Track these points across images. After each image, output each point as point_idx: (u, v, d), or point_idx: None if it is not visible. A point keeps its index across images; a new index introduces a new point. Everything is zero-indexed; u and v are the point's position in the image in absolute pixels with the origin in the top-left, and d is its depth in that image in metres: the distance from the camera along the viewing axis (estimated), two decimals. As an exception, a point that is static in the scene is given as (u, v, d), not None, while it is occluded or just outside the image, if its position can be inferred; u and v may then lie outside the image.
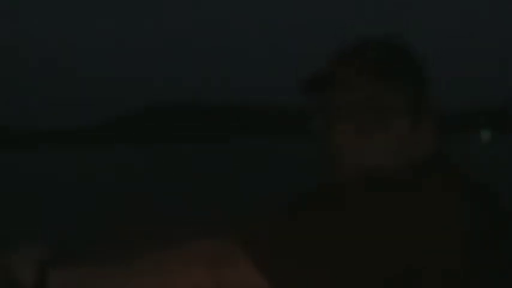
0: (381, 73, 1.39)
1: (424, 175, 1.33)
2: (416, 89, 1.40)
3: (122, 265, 1.33)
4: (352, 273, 1.25)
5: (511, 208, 1.43)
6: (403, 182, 1.31)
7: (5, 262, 1.38)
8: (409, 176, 1.33)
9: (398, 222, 1.26)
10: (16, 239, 1.46)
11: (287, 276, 1.26)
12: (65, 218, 14.86)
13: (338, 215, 1.28)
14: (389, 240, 1.25)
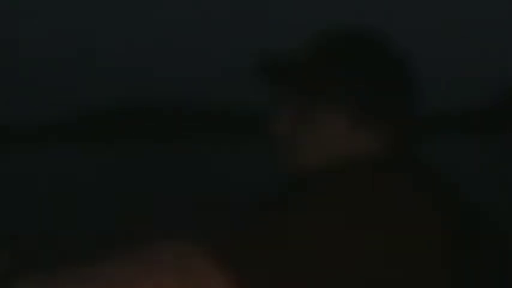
0: (332, 65, 1.35)
1: (378, 174, 1.29)
2: (372, 86, 1.35)
3: (81, 273, 1.27)
4: (318, 280, 1.21)
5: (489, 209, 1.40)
6: (356, 180, 1.27)
7: None
8: (359, 175, 1.28)
9: (347, 229, 1.22)
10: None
11: (258, 285, 1.21)
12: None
13: (297, 219, 1.23)
14: (344, 251, 1.21)
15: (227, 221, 1.26)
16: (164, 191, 21.03)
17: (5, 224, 13.89)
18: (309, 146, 1.37)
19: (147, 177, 28.78)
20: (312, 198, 1.25)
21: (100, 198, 19.11)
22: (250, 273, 1.21)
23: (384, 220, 1.23)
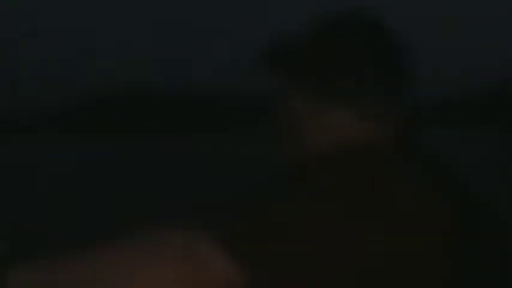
0: (336, 54, 1.34)
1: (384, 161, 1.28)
2: (373, 75, 1.34)
3: (84, 258, 1.27)
4: (333, 270, 1.20)
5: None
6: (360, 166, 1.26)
7: None
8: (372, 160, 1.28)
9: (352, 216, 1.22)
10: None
11: (265, 273, 1.20)
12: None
13: (315, 205, 1.22)
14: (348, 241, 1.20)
15: (228, 219, 1.25)
16: (164, 191, 21.02)
17: (4, 223, 13.89)
18: (310, 135, 1.36)
19: (147, 176, 28.77)
20: (312, 191, 1.24)
21: (100, 198, 19.10)
22: (251, 260, 1.20)
23: (385, 214, 1.23)
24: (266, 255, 1.20)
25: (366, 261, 1.20)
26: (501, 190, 16.90)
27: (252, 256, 1.20)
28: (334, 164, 1.28)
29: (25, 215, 14.90)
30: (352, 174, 1.26)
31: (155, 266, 1.22)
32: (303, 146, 1.37)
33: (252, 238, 1.21)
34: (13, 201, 18.00)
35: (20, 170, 35.04)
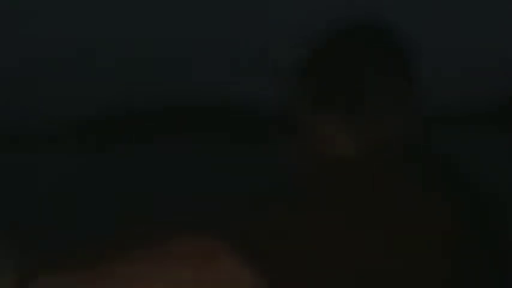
0: (336, 64, 1.33)
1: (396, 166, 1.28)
2: (376, 83, 1.33)
3: (101, 268, 1.27)
4: (335, 272, 1.20)
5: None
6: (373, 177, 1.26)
7: None
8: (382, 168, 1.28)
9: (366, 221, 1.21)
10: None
11: (280, 279, 1.20)
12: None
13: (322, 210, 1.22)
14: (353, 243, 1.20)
15: (246, 224, 1.25)
16: (164, 191, 21.00)
17: (4, 223, 13.90)
18: (313, 141, 1.36)
19: (147, 177, 28.76)
20: (313, 197, 1.24)
21: (100, 198, 19.09)
22: (270, 265, 1.21)
23: (388, 218, 1.23)
24: (285, 260, 1.20)
25: (367, 262, 1.20)
26: (501, 190, 16.88)
27: (271, 261, 1.21)
28: (337, 168, 1.28)
29: (25, 215, 14.89)
30: (355, 178, 1.26)
31: (176, 274, 1.22)
32: (307, 152, 1.37)
33: (270, 243, 1.21)
34: (13, 201, 18.00)
35: (20, 170, 35.03)
